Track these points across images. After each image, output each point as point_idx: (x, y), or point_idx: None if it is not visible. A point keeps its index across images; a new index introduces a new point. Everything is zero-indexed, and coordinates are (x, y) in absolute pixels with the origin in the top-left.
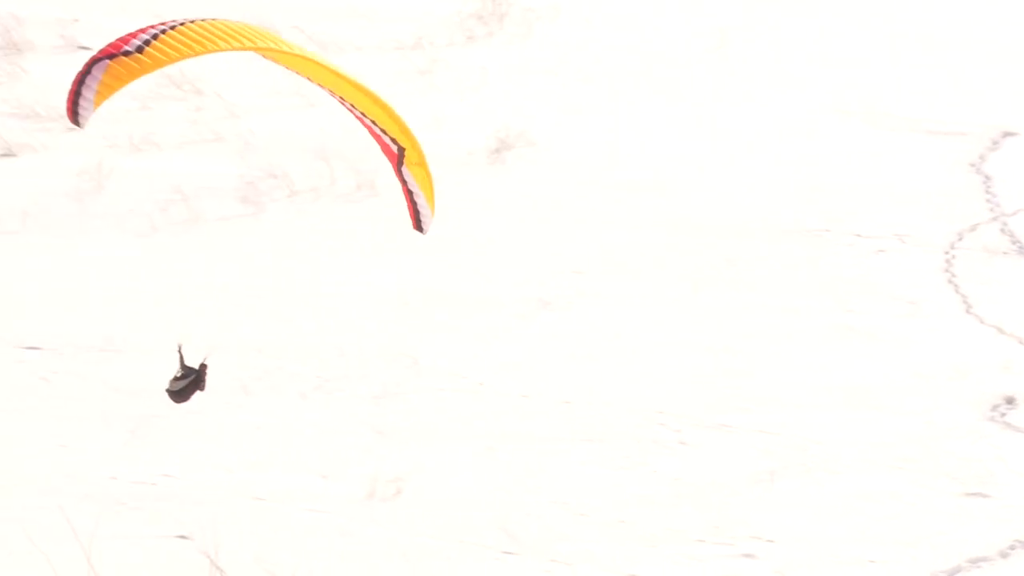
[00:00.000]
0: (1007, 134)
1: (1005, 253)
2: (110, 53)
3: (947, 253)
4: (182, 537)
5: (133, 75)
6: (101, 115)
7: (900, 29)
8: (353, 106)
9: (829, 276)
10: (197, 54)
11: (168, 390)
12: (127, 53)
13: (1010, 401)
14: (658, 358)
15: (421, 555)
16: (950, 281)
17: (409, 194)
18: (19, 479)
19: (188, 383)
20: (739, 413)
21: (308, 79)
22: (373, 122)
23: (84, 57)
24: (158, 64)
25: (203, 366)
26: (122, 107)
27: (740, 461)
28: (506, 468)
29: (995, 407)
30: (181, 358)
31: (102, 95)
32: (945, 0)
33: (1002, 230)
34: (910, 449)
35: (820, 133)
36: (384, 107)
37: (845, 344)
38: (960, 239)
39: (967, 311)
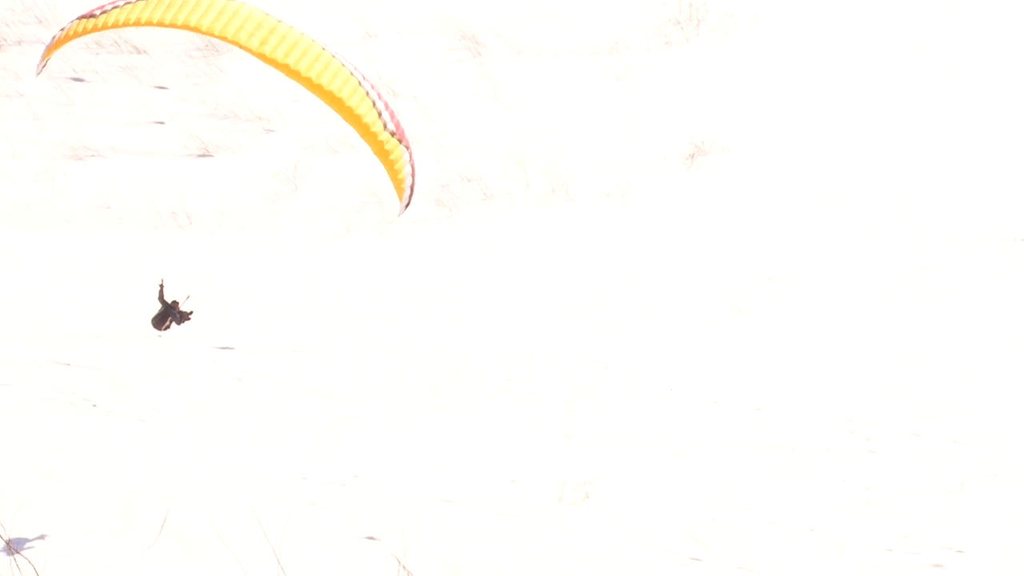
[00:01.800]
0: None
1: None
2: (81, 15)
3: None
4: (370, 538)
5: (77, 35)
6: (298, 117)
7: None
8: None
9: (1022, 285)
10: (134, 24)
11: (151, 320)
12: (91, 16)
13: None
14: (849, 366)
15: (608, 559)
16: None
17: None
18: (211, 478)
19: (162, 315)
20: (930, 422)
21: (260, 57)
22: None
23: None
24: (96, 28)
25: (175, 303)
26: (319, 109)
27: (930, 470)
28: (695, 474)
29: None
30: (161, 292)
31: (52, 48)
32: None
33: None
34: None
35: (1019, 140)
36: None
37: None
38: None
39: None
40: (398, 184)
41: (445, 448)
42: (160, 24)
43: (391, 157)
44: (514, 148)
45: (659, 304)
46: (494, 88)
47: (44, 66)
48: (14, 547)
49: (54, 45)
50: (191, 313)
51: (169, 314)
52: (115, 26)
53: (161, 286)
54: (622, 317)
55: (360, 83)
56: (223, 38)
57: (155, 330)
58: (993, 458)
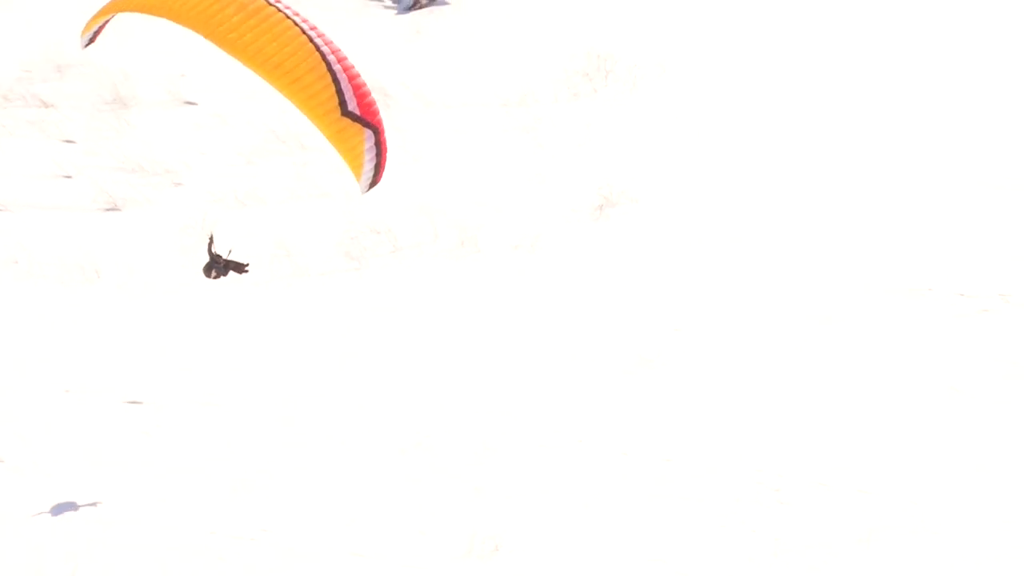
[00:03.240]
0: None
1: None
2: None
3: None
4: None
5: (105, 13)
6: (207, 170)
7: (1007, 90)
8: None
9: (932, 335)
10: (144, 11)
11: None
12: None
13: None
14: (757, 416)
15: None
16: None
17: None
18: (120, 533)
19: (208, 265)
20: (838, 471)
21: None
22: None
23: (190, 111)
24: (116, 8)
25: (219, 255)
26: (227, 162)
27: (839, 520)
28: (604, 525)
29: None
30: (209, 244)
31: (88, 26)
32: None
33: None
34: (1015, 512)
35: (924, 190)
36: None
37: (947, 405)
38: None
39: None
40: (355, 169)
41: (355, 501)
42: (126, 9)
43: (346, 144)
44: (423, 200)
45: (568, 355)
46: (403, 140)
47: (90, 40)
48: None
49: (92, 21)
50: (247, 265)
51: (213, 266)
52: (125, 9)
53: (211, 239)
54: (531, 369)
55: (324, 63)
56: (181, 22)
57: (206, 278)
58: (900, 507)
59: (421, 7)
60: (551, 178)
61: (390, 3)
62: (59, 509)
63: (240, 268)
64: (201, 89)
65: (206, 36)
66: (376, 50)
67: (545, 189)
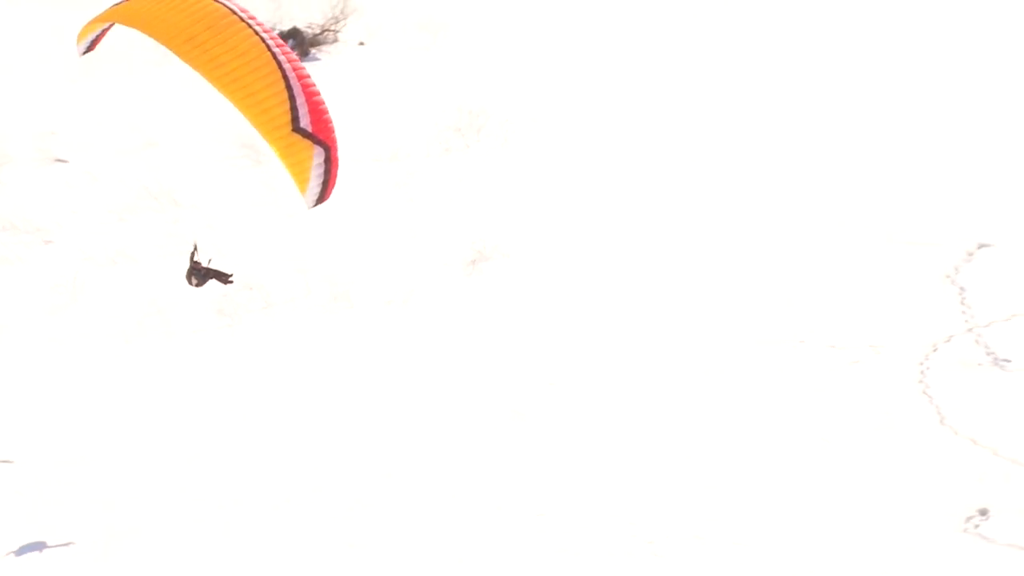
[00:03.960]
0: (982, 245)
1: (979, 365)
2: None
3: (921, 364)
4: None
5: (96, 23)
6: (78, 229)
7: (872, 142)
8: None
9: (804, 387)
10: (123, 23)
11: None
12: (115, 3)
13: (983, 512)
14: (630, 470)
15: None
16: (924, 392)
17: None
18: None
19: (188, 272)
20: (712, 523)
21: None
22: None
23: (61, 169)
24: (103, 19)
25: (198, 262)
26: (99, 220)
27: (713, 572)
28: None
29: (968, 519)
30: (192, 253)
31: (82, 34)
32: (917, 114)
33: (976, 341)
34: (885, 560)
35: (796, 245)
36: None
37: (819, 455)
38: (934, 350)
39: (941, 422)
40: (300, 184)
41: (229, 560)
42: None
43: (292, 159)
44: (296, 256)
45: (441, 409)
46: (276, 197)
47: (86, 48)
48: None
49: (85, 29)
50: (230, 276)
51: (194, 272)
52: (113, 19)
53: (194, 247)
54: (405, 423)
55: (283, 80)
56: (156, 38)
57: (188, 285)
58: (774, 558)
59: None
60: (424, 233)
61: None
62: None
63: (222, 277)
64: (72, 147)
65: (172, 49)
66: None
67: (418, 244)
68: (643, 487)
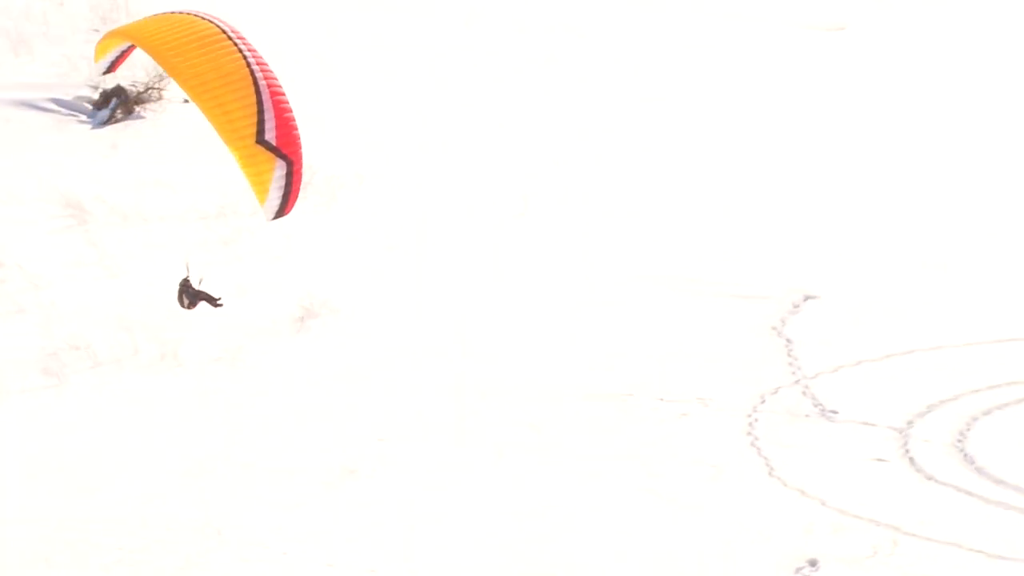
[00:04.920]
0: (808, 297)
1: (807, 416)
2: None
3: (749, 416)
4: None
5: (109, 42)
6: None
7: (701, 195)
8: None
9: (633, 440)
10: (128, 39)
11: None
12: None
13: (813, 563)
14: (463, 524)
15: None
16: (753, 444)
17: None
18: None
19: (179, 293)
20: None
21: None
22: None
23: None
24: (114, 37)
25: (187, 281)
26: None
27: None
28: None
29: (798, 569)
30: (186, 275)
31: (98, 53)
32: (744, 165)
33: (803, 393)
34: None
35: (624, 298)
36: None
37: (649, 509)
38: (762, 402)
39: (770, 474)
40: (259, 195)
41: None
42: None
43: (253, 169)
44: (122, 315)
45: (272, 468)
46: (100, 255)
47: (107, 68)
48: None
49: (100, 48)
50: (219, 299)
51: (184, 292)
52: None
53: (187, 267)
54: (235, 481)
55: (256, 95)
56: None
57: (180, 307)
58: None
59: (116, 121)
60: (252, 290)
61: (85, 118)
62: None
63: (212, 300)
64: None
65: (159, 61)
66: (72, 165)
67: (246, 301)
68: (477, 544)
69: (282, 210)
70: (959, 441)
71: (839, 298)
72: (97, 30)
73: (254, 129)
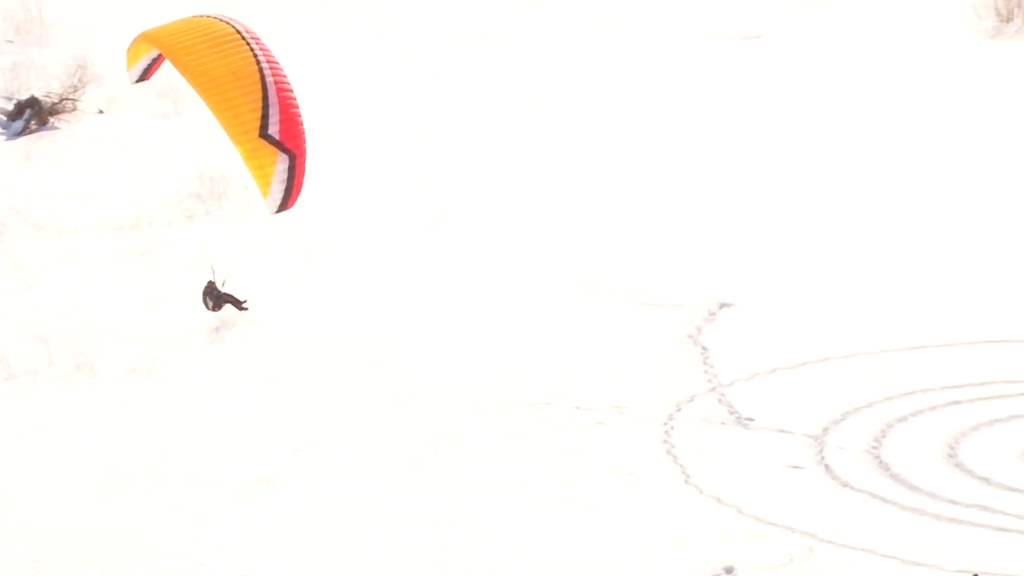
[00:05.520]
0: (723, 305)
1: (723, 423)
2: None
3: (666, 424)
4: None
5: (139, 49)
6: None
7: (616, 203)
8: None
9: (550, 449)
10: (155, 46)
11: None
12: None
13: (729, 570)
14: (380, 534)
15: None
16: (669, 452)
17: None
18: None
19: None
20: None
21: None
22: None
23: None
24: (140, 42)
25: (212, 283)
26: None
27: None
28: None
29: None
30: (212, 278)
31: (129, 61)
32: (658, 173)
33: (719, 401)
34: None
35: (540, 307)
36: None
37: (566, 517)
38: (678, 410)
39: (686, 481)
40: (263, 188)
41: None
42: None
43: (256, 162)
44: (37, 326)
45: (188, 478)
46: (15, 267)
47: (139, 77)
48: None
49: (130, 57)
50: (245, 302)
51: (208, 294)
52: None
53: (212, 270)
54: (151, 493)
55: (262, 90)
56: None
57: (205, 309)
58: None
59: (31, 132)
60: (167, 301)
61: None
62: None
63: (237, 303)
64: None
65: (171, 59)
66: None
67: (160, 312)
68: (390, 554)
69: (285, 204)
70: (874, 448)
71: (754, 306)
72: (11, 41)
73: (258, 124)
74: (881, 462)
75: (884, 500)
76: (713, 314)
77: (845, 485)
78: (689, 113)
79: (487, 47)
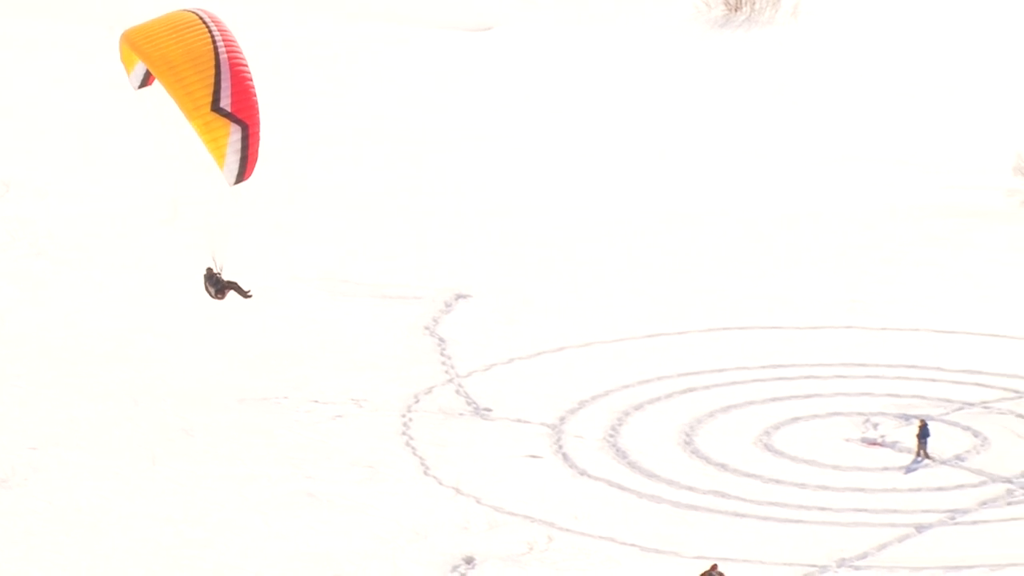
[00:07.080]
0: (460, 296)
1: (461, 414)
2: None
3: (404, 416)
4: None
5: (131, 56)
6: None
7: (349, 196)
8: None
9: (288, 443)
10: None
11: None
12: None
13: (469, 561)
14: (120, 532)
15: None
16: (408, 444)
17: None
18: None
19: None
20: None
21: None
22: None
23: None
24: (122, 44)
25: (210, 270)
26: None
27: None
28: None
29: (455, 567)
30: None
31: (127, 66)
32: (387, 165)
33: (457, 391)
34: None
35: (276, 300)
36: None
37: (306, 511)
38: (417, 402)
39: (425, 473)
40: (218, 160)
41: None
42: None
43: (210, 135)
44: None
45: None
46: None
47: (140, 83)
48: None
49: (126, 61)
50: (249, 291)
51: (209, 280)
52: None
53: (212, 258)
54: None
55: (215, 69)
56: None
57: (207, 295)
58: None
59: None
60: None
61: None
62: None
63: (242, 292)
64: None
65: (135, 49)
66: None
67: None
68: (128, 550)
69: (242, 174)
70: (611, 436)
71: (491, 297)
72: None
73: (209, 99)
74: (619, 450)
75: (622, 488)
76: (450, 305)
77: (583, 474)
78: (418, 105)
79: None
